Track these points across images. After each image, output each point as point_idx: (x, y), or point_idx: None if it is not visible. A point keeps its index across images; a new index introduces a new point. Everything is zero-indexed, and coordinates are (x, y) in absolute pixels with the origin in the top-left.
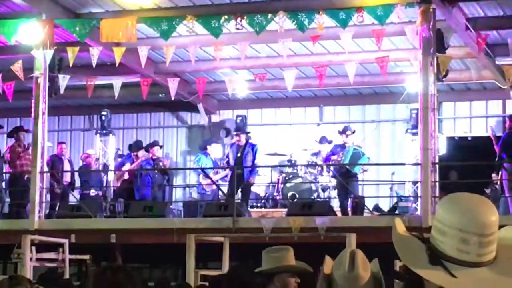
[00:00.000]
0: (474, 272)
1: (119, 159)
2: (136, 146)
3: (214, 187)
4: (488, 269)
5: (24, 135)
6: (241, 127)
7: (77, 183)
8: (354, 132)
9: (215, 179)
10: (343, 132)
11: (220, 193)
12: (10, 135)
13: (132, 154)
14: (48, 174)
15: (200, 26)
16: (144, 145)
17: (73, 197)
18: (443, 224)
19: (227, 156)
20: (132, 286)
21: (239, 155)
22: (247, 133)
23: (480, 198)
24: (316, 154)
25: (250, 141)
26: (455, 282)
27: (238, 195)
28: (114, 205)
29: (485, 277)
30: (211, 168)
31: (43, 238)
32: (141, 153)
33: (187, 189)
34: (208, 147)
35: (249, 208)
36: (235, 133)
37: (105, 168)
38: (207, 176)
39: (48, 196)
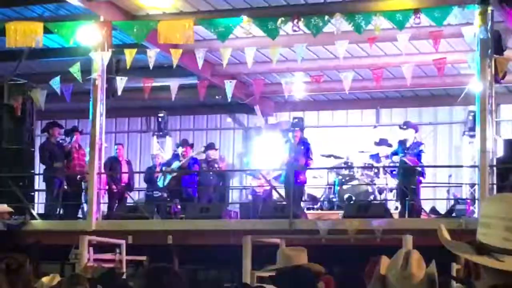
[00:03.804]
0: None
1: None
2: (183, 143)
3: (266, 187)
4: None
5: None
6: (298, 124)
7: (137, 184)
8: (416, 129)
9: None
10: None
11: (273, 194)
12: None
13: (179, 152)
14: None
15: (256, 28)
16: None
17: (130, 199)
18: (487, 217)
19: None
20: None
21: (292, 154)
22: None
23: None
24: (374, 156)
25: (303, 139)
26: (505, 265)
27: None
28: (170, 206)
29: None
30: (258, 170)
31: (100, 239)
32: (189, 151)
33: (244, 190)
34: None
35: (305, 210)
36: (292, 128)
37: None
38: (263, 177)
39: (106, 197)
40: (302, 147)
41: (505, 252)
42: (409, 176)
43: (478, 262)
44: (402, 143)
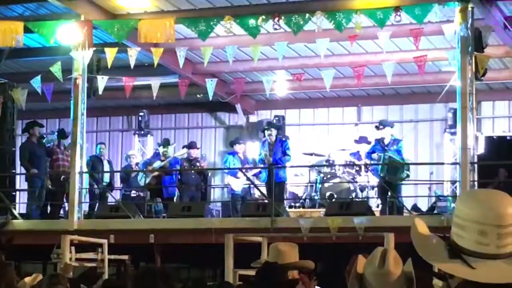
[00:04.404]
0: (493, 264)
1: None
2: (165, 143)
3: (244, 186)
4: (505, 261)
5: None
6: (272, 123)
7: (117, 183)
8: (391, 126)
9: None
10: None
11: (255, 192)
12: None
13: (160, 151)
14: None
15: (237, 26)
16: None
17: (112, 198)
18: (461, 218)
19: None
20: None
21: (271, 153)
22: (278, 128)
23: (497, 192)
24: (354, 154)
25: (280, 136)
26: (474, 273)
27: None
28: (151, 205)
29: (504, 268)
30: (239, 168)
31: (82, 238)
32: (171, 151)
33: (225, 189)
34: (236, 146)
35: (287, 208)
36: (266, 127)
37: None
38: (244, 175)
39: (87, 196)
40: (280, 146)
41: (478, 256)
42: (396, 173)
43: (452, 273)
44: (379, 141)
